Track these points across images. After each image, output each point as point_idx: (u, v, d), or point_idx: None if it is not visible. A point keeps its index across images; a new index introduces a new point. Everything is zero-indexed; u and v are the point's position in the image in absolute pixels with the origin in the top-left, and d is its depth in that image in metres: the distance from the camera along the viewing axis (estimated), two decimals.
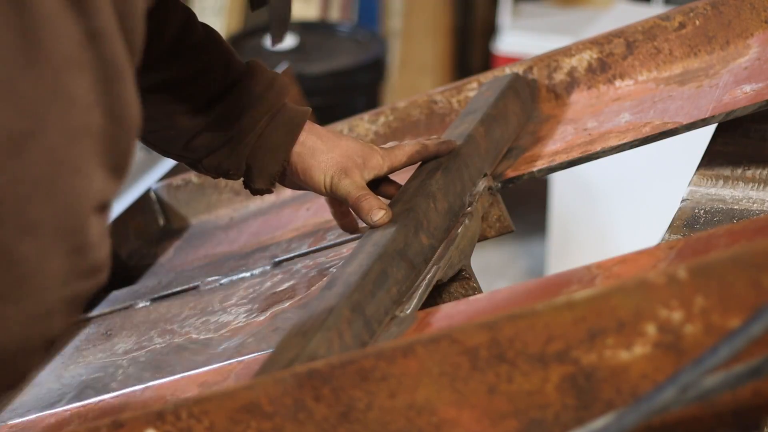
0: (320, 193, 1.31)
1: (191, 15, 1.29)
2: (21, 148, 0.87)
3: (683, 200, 1.35)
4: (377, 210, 1.25)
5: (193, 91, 1.28)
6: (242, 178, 1.32)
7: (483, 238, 1.35)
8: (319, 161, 1.29)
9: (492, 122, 1.42)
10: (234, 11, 3.62)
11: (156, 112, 1.27)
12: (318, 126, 1.32)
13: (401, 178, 1.34)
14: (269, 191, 1.33)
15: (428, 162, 1.33)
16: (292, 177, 1.31)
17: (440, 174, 1.29)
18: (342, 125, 1.61)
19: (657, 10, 3.26)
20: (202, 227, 1.67)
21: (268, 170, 1.29)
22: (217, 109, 1.28)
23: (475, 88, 1.56)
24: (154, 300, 1.43)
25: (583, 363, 0.87)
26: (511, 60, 3.00)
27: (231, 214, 1.67)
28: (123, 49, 0.91)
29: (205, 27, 1.30)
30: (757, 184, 1.33)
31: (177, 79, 1.28)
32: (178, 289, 1.44)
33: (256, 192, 1.33)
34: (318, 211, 1.51)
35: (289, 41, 3.43)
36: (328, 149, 1.29)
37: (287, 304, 1.28)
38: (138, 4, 0.93)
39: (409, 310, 1.14)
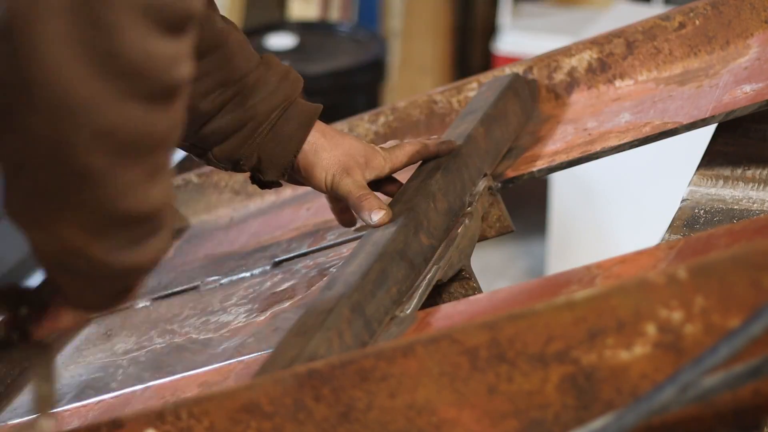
0: (321, 190, 1.31)
1: (212, 1, 1.29)
2: None
3: (683, 200, 1.34)
4: (377, 210, 1.25)
5: (210, 72, 1.27)
6: (249, 173, 1.32)
7: (483, 238, 1.35)
8: (321, 159, 1.29)
9: (492, 122, 1.42)
10: (234, 11, 3.61)
11: None
12: (322, 123, 1.32)
13: (401, 177, 1.34)
14: (279, 184, 1.33)
15: (428, 162, 1.33)
16: (293, 173, 1.31)
17: (440, 174, 1.29)
18: (342, 125, 1.60)
19: (657, 10, 3.26)
20: (202, 227, 1.67)
21: (280, 161, 1.29)
22: (231, 95, 1.28)
23: (475, 88, 1.55)
24: (154, 300, 1.43)
25: (583, 363, 0.87)
26: (511, 60, 3.00)
27: (231, 214, 1.67)
28: None
29: (223, 16, 1.30)
30: (757, 184, 1.33)
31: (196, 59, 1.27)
32: (178, 289, 1.44)
33: (265, 185, 1.33)
34: (318, 211, 1.51)
35: (289, 41, 3.43)
36: (330, 147, 1.29)
37: (287, 304, 1.28)
38: None
39: (409, 310, 1.14)
